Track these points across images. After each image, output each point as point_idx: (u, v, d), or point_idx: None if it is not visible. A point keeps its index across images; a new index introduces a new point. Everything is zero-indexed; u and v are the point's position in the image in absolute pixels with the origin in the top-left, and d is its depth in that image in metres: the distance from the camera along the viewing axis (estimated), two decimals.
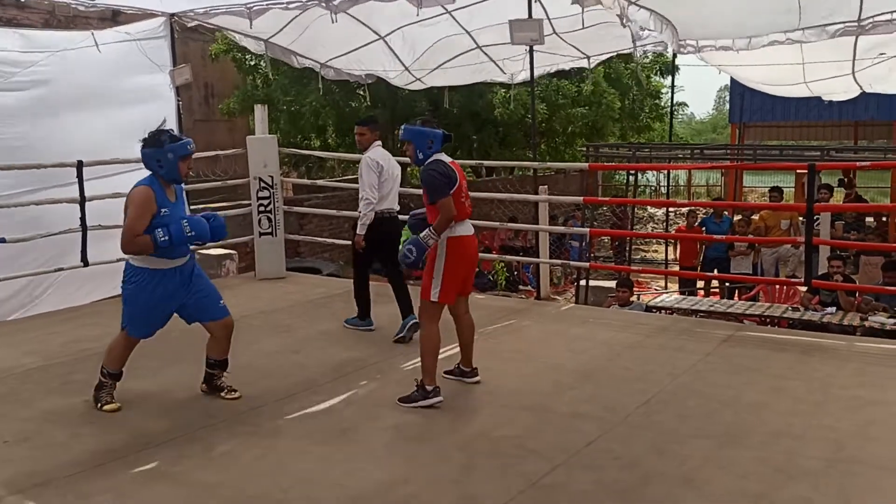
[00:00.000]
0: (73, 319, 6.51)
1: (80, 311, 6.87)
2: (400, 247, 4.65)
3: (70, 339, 5.84)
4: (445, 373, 4.74)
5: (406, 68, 9.53)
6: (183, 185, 4.30)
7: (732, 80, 16.33)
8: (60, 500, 3.31)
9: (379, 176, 5.90)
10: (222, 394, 4.51)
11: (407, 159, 4.81)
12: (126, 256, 4.21)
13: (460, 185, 4.42)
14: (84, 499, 3.32)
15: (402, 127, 4.57)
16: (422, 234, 4.38)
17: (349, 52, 9.19)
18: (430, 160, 4.44)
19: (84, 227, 6.81)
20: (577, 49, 9.55)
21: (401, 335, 5.68)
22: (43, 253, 7.11)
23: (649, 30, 7.59)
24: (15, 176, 7.03)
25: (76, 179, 6.68)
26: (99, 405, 4.26)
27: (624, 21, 6.76)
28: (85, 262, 6.90)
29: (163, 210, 4.09)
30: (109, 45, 7.92)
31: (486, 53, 9.32)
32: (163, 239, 4.01)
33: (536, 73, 9.53)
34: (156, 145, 4.10)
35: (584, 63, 10.19)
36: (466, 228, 4.52)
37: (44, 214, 6.90)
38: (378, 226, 5.93)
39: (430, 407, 4.30)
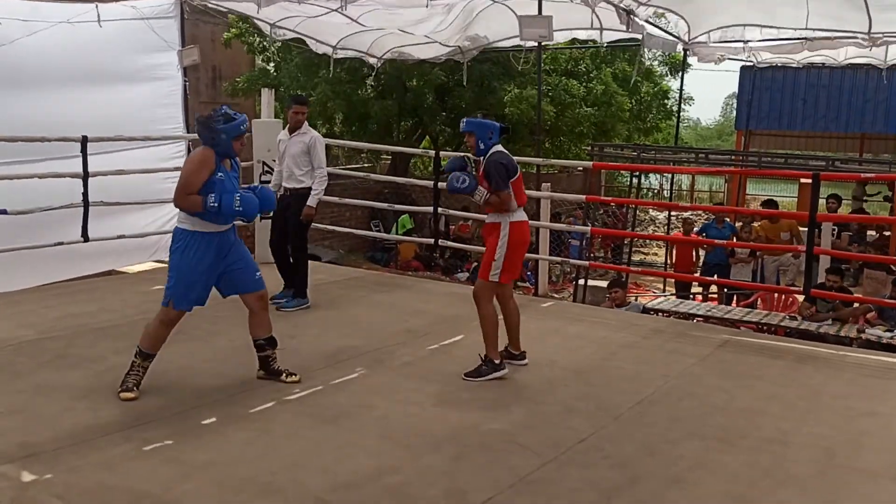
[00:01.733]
0: (70, 294, 6.51)
1: (78, 286, 6.87)
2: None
3: (66, 313, 5.84)
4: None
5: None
6: (238, 159, 4.39)
7: (740, 86, 16.29)
8: (50, 472, 3.31)
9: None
10: (282, 377, 4.50)
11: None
12: (175, 222, 4.33)
13: (520, 175, 4.68)
14: (74, 472, 3.32)
15: (464, 119, 4.85)
16: (479, 188, 4.61)
17: (360, 32, 9.19)
18: (493, 150, 4.71)
19: (86, 203, 6.81)
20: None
21: (282, 304, 6.16)
22: (41, 225, 7.09)
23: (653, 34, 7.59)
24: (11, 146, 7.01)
25: (80, 154, 6.68)
26: (119, 389, 4.18)
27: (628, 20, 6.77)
28: (85, 238, 6.90)
29: (219, 174, 4.19)
30: (116, 21, 7.89)
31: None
32: (212, 205, 4.10)
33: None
34: (209, 128, 4.17)
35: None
36: (524, 214, 4.78)
37: (40, 186, 6.88)
38: (302, 200, 6.17)
39: (499, 378, 4.63)
